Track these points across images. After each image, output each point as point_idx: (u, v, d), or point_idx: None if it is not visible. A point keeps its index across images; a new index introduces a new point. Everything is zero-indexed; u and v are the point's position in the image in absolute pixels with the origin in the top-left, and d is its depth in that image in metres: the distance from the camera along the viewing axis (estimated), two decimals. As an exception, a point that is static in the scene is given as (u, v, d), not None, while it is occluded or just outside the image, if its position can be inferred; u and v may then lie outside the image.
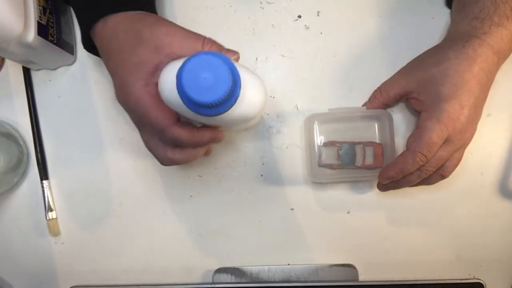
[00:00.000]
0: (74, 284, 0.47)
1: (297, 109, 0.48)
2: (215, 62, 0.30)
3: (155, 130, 0.36)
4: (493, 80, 0.41)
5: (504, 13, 0.40)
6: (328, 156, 0.46)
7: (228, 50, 0.37)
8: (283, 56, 0.48)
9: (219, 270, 0.47)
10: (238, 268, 0.47)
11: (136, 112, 0.36)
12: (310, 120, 0.46)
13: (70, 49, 0.47)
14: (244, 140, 0.48)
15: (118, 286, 0.47)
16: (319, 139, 0.46)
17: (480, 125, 0.46)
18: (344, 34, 0.48)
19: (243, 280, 0.46)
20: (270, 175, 0.47)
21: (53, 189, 0.48)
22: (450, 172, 0.42)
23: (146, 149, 0.48)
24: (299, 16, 0.48)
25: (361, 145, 0.46)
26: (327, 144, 0.46)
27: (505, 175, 0.47)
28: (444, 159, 0.41)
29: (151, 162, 0.48)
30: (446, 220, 0.47)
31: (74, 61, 0.48)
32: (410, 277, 0.46)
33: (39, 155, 0.48)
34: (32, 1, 0.39)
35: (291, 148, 0.47)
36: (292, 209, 0.47)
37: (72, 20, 0.48)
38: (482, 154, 0.47)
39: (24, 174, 0.48)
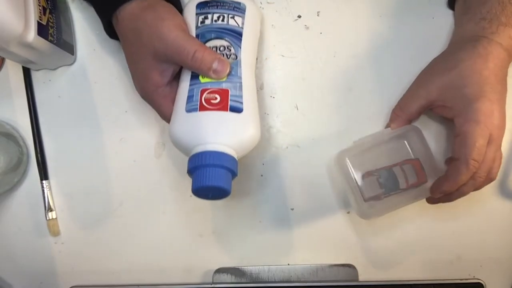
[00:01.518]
0: (74, 284, 0.47)
1: (297, 109, 0.48)
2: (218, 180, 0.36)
3: (160, 116, 0.42)
4: (506, 75, 0.41)
5: (511, 13, 0.40)
6: (370, 188, 0.43)
7: (220, 61, 0.38)
8: (283, 56, 0.48)
9: (219, 270, 0.47)
10: (238, 268, 0.47)
11: (147, 100, 0.42)
12: (340, 158, 0.43)
13: (70, 49, 0.47)
14: (244, 140, 0.48)
15: (118, 286, 0.47)
16: (355, 175, 0.43)
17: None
18: (344, 34, 0.48)
19: (243, 280, 0.46)
20: (270, 175, 0.47)
21: (53, 189, 0.48)
22: (497, 173, 0.41)
23: (146, 149, 0.48)
24: (299, 16, 0.48)
25: (399, 166, 0.44)
26: (364, 177, 0.44)
27: (505, 175, 0.47)
28: (492, 160, 0.40)
29: (151, 162, 0.48)
30: (446, 220, 0.47)
31: (74, 61, 0.48)
32: (410, 277, 0.46)
33: (39, 155, 0.48)
34: (32, 1, 0.39)
35: (291, 148, 0.47)
36: (292, 209, 0.47)
37: (72, 20, 0.48)
38: (482, 154, 0.47)
39: (24, 174, 0.48)
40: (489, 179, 0.41)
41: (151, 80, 0.39)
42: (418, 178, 0.44)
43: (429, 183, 0.43)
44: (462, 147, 0.39)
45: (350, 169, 0.43)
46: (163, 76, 0.39)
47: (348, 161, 0.43)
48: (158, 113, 0.41)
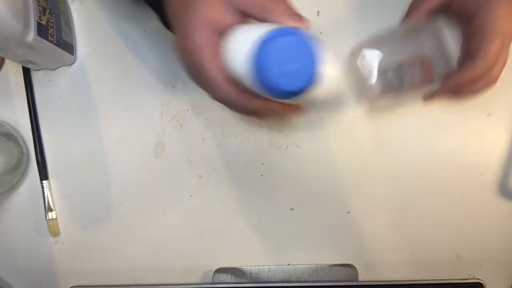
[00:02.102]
0: (74, 284, 0.47)
1: (297, 109, 0.48)
2: (299, 45, 0.28)
3: (206, 86, 0.35)
4: None
5: None
6: (378, 84, 0.44)
7: (298, 18, 0.33)
8: (283, 56, 0.48)
9: (219, 270, 0.47)
10: (238, 268, 0.47)
11: (191, 66, 0.35)
12: (354, 52, 0.43)
13: (70, 49, 0.47)
14: (244, 140, 0.48)
15: (118, 286, 0.47)
16: (366, 70, 0.44)
17: (480, 125, 0.46)
18: (344, 34, 0.48)
19: (243, 280, 0.46)
20: (270, 175, 0.47)
21: (53, 189, 0.48)
22: (498, 77, 0.42)
23: (146, 149, 0.48)
24: (299, 16, 0.48)
25: (408, 63, 0.44)
26: (376, 72, 0.44)
27: (505, 175, 0.47)
28: (505, 60, 0.41)
29: (151, 162, 0.48)
30: (446, 220, 0.47)
31: (74, 61, 0.48)
32: (410, 277, 0.46)
33: (39, 155, 0.48)
34: (32, 1, 0.39)
35: (291, 148, 0.47)
36: (292, 209, 0.47)
37: (72, 20, 0.48)
38: (482, 154, 0.47)
39: (24, 174, 0.48)
40: (492, 81, 0.42)
41: (204, 26, 0.33)
42: (424, 76, 0.44)
43: (436, 80, 0.43)
44: (481, 42, 0.40)
45: (361, 64, 0.43)
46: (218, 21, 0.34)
47: (361, 55, 0.43)
48: (202, 72, 0.34)
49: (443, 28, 0.43)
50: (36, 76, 0.48)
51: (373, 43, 0.44)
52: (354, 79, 0.45)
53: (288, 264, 0.47)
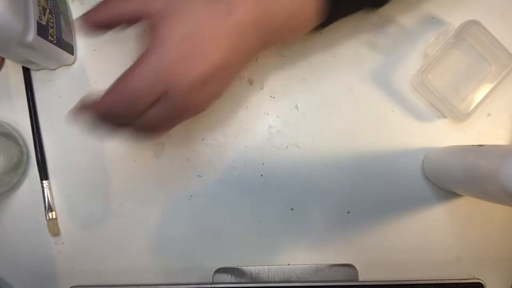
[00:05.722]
0: (74, 284, 0.47)
1: (297, 109, 0.48)
2: None
3: None
4: None
5: None
6: None
7: None
8: (283, 56, 0.48)
9: (219, 270, 0.47)
10: (238, 268, 0.47)
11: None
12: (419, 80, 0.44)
13: (70, 49, 0.47)
14: (244, 140, 0.48)
15: (118, 286, 0.47)
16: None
17: (480, 125, 0.46)
18: (344, 34, 0.48)
19: (243, 280, 0.46)
20: (270, 175, 0.47)
21: (53, 189, 0.48)
22: None
23: (146, 149, 0.48)
24: (299, 16, 0.48)
25: None
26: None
27: (505, 175, 0.47)
28: None
29: (151, 162, 0.48)
30: (446, 220, 0.47)
31: (74, 61, 0.48)
32: (410, 277, 0.46)
33: (39, 155, 0.48)
34: (32, 1, 0.39)
35: (291, 148, 0.47)
36: (292, 209, 0.47)
37: (72, 20, 0.48)
38: (482, 154, 0.47)
39: (24, 174, 0.48)
40: None
41: None
42: None
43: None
44: None
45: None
46: None
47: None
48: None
49: (479, 24, 0.43)
50: (36, 76, 0.48)
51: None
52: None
53: (288, 264, 0.47)
